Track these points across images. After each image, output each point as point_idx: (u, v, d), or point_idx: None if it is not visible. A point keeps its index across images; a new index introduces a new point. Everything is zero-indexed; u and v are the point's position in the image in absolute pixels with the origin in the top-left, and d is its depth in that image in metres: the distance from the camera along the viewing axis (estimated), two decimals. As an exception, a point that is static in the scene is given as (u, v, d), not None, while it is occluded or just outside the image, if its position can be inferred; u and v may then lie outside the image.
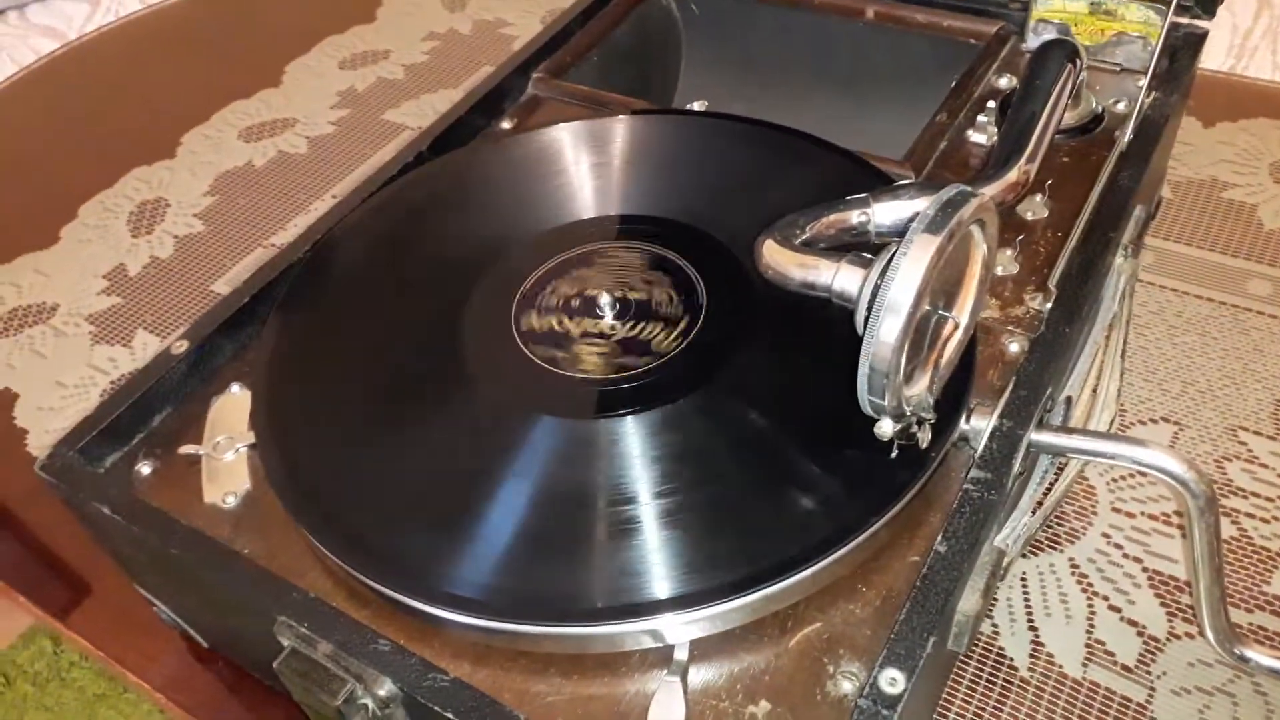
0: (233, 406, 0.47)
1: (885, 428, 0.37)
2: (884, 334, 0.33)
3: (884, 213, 0.42)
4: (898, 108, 0.65)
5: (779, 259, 0.40)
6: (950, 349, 0.39)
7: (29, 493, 0.60)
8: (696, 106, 0.59)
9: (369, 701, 0.37)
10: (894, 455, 0.39)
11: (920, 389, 0.37)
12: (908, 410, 0.37)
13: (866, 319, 0.36)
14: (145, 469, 0.46)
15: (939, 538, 0.38)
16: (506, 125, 0.61)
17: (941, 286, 0.37)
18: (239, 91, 0.88)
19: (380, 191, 0.54)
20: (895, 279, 0.32)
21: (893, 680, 0.34)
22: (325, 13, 0.97)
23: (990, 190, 0.45)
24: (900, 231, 0.43)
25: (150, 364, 0.48)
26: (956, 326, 0.38)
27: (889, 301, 0.33)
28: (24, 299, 0.72)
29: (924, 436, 0.39)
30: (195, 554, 0.40)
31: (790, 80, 0.70)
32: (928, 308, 0.36)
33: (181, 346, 0.48)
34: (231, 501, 0.44)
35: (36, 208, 0.80)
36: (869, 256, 0.38)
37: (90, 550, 0.54)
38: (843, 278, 0.37)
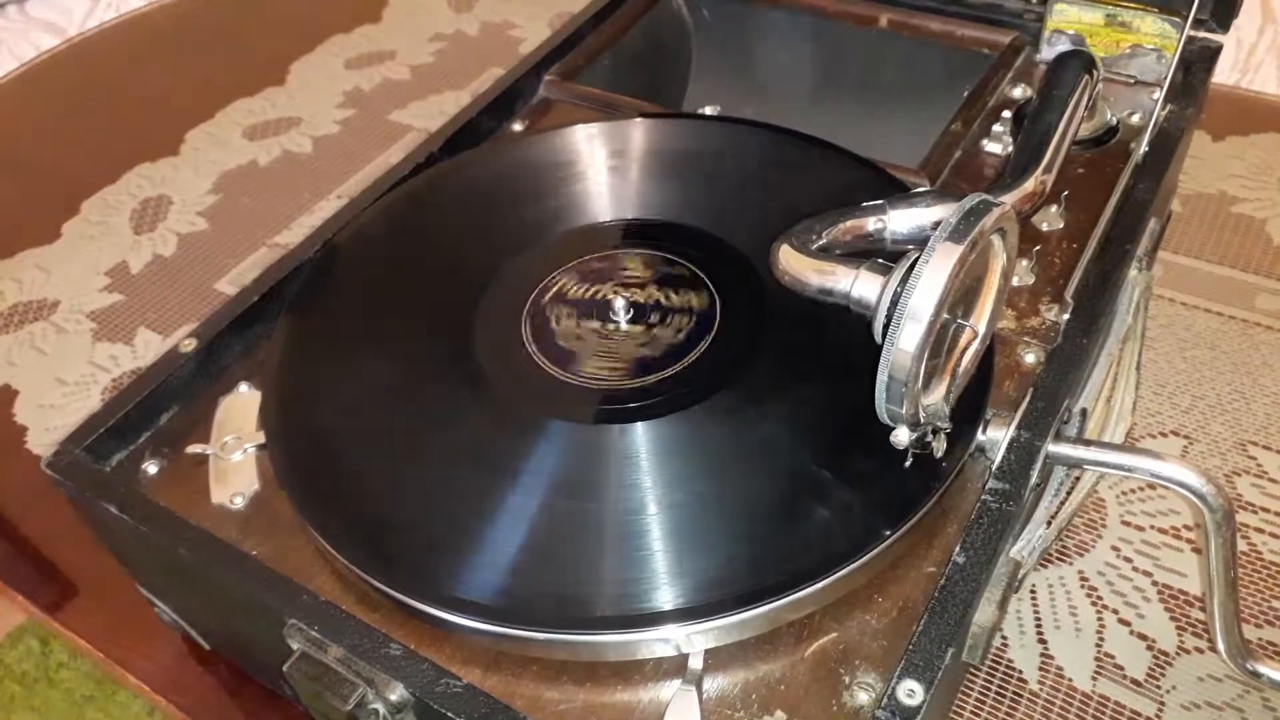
0: (241, 406, 0.47)
1: (901, 436, 0.37)
2: (904, 342, 0.33)
3: (900, 220, 0.42)
4: (909, 116, 0.65)
5: (795, 265, 0.39)
6: (968, 358, 0.38)
7: (28, 490, 0.59)
8: (708, 111, 0.59)
9: (380, 707, 0.36)
10: (908, 464, 0.39)
11: (937, 398, 0.37)
12: (924, 419, 0.37)
13: (886, 327, 0.35)
14: (152, 468, 0.45)
15: (957, 548, 0.37)
16: (518, 127, 0.61)
17: (960, 295, 0.37)
18: (244, 89, 0.88)
19: (392, 191, 0.54)
20: (917, 287, 0.32)
21: (911, 692, 0.34)
22: (331, 12, 0.96)
23: (1007, 200, 0.45)
24: (916, 239, 0.42)
25: (158, 362, 0.47)
26: (974, 335, 0.38)
27: (910, 309, 0.32)
28: (25, 295, 0.72)
29: (939, 445, 0.38)
30: (205, 555, 0.40)
31: (800, 87, 0.70)
32: (946, 316, 0.36)
33: (190, 345, 0.47)
34: (239, 502, 0.44)
35: (38, 203, 0.79)
36: (888, 264, 0.38)
37: (88, 550, 0.53)
38: (861, 285, 0.37)
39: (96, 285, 0.72)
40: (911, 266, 0.34)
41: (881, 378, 0.34)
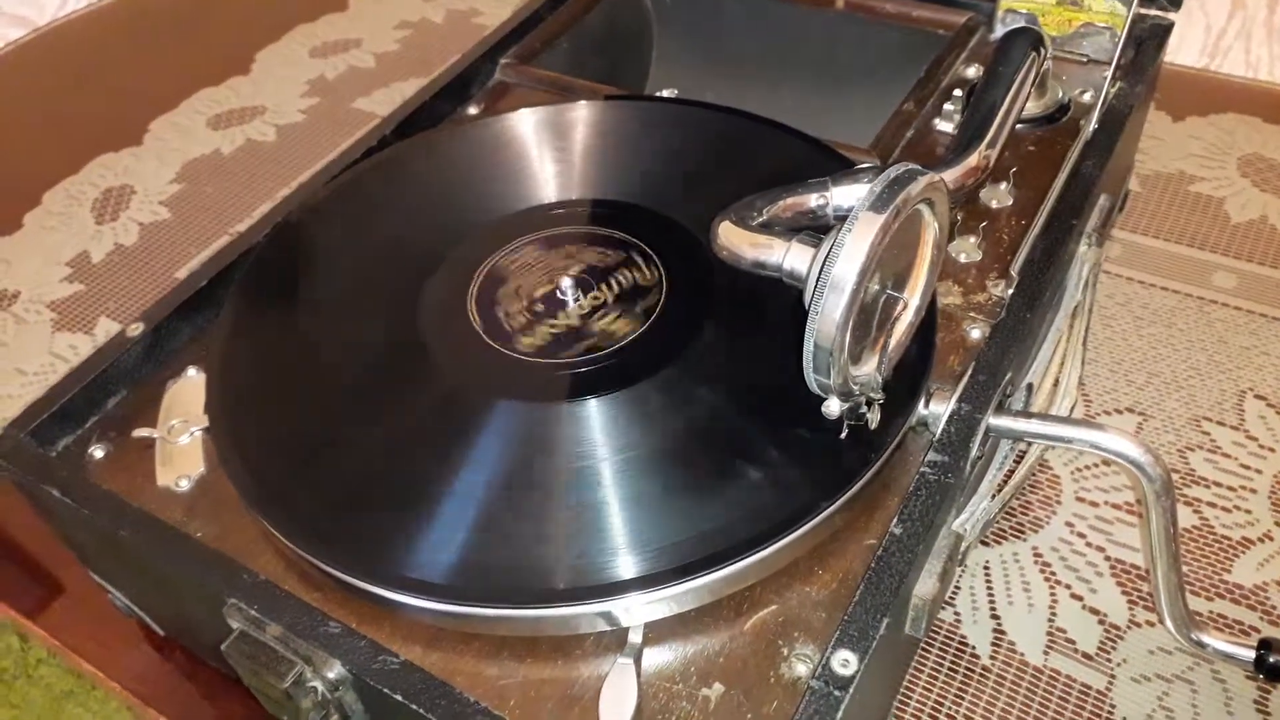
0: (189, 390, 0.47)
1: (833, 407, 0.37)
2: (828, 311, 0.33)
3: (843, 196, 0.42)
4: (867, 97, 0.65)
5: (733, 239, 0.39)
6: (900, 329, 0.38)
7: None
8: (666, 94, 0.59)
9: (318, 684, 0.36)
10: (843, 435, 0.38)
11: (869, 369, 0.37)
12: (855, 390, 0.37)
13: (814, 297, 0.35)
14: (98, 452, 0.45)
15: (894, 520, 0.37)
16: (473, 111, 0.61)
17: (891, 267, 0.37)
18: (208, 79, 0.87)
19: (342, 175, 0.53)
20: (839, 256, 0.32)
21: (845, 661, 0.34)
22: (297, 0, 0.96)
23: (950, 175, 0.45)
24: (859, 215, 0.42)
25: (105, 346, 0.47)
26: (906, 307, 0.38)
27: (833, 278, 0.32)
28: (-15, 286, 0.71)
29: (873, 417, 0.38)
30: (145, 536, 0.40)
31: (761, 69, 0.70)
32: (876, 287, 0.36)
33: (137, 329, 0.47)
34: (185, 485, 0.43)
35: (0, 194, 0.79)
36: (820, 237, 0.38)
37: (53, 542, 0.53)
38: (793, 256, 0.37)
39: (57, 275, 0.71)
40: (838, 237, 0.34)
41: (808, 347, 0.34)
